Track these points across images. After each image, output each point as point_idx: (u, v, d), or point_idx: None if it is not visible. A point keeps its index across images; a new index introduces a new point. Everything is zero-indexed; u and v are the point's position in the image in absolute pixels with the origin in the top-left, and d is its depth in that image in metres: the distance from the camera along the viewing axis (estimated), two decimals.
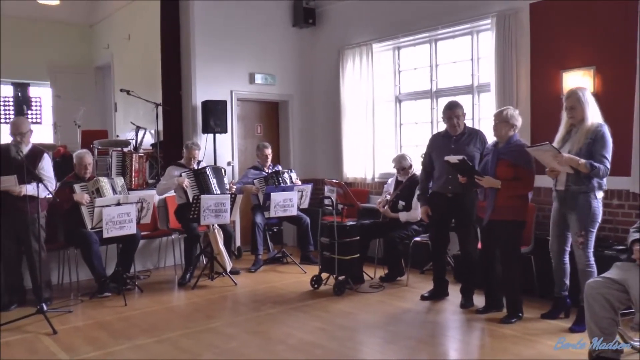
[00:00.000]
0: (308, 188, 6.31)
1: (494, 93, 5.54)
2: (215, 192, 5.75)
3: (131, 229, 5.00)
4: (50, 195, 4.71)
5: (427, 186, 4.87)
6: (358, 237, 5.22)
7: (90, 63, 10.49)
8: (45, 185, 4.54)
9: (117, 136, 9.17)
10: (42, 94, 9.92)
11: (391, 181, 5.88)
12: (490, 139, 4.48)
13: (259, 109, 7.73)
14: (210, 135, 6.77)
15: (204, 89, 6.88)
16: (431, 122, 6.54)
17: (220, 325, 4.30)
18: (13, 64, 9.24)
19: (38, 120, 9.51)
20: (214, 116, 6.64)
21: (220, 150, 6.90)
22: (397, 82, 7.03)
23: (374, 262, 5.83)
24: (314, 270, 5.58)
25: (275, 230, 6.80)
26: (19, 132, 4.74)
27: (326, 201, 5.48)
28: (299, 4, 7.58)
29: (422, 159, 5.04)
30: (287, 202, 5.93)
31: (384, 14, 6.86)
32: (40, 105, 9.75)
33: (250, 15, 7.28)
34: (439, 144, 4.77)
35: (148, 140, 7.63)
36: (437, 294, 4.90)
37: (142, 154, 6.71)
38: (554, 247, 4.16)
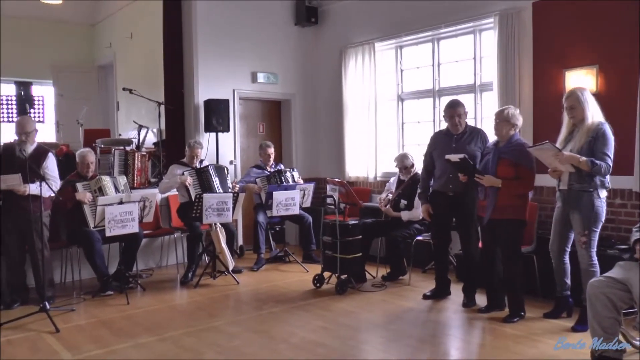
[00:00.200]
0: (310, 187, 6.31)
1: (496, 92, 5.53)
2: (217, 191, 5.76)
3: (133, 228, 5.00)
4: (53, 195, 4.72)
5: (428, 185, 4.87)
6: (360, 236, 5.23)
7: (92, 62, 10.51)
8: (48, 184, 4.56)
9: (120, 135, 9.17)
10: (44, 93, 9.96)
11: (393, 180, 5.88)
12: (493, 138, 4.48)
13: (261, 108, 7.73)
14: (213, 134, 6.76)
15: (206, 87, 6.87)
16: (433, 121, 6.53)
17: (223, 324, 4.31)
18: (16, 63, 9.27)
19: (40, 119, 9.56)
20: (217, 115, 6.63)
21: (223, 149, 6.90)
22: (399, 81, 7.02)
23: (376, 261, 5.84)
24: (316, 269, 5.59)
25: (277, 229, 6.82)
26: (25, 131, 4.75)
27: (328, 200, 5.48)
28: (302, 3, 7.57)
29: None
30: (290, 201, 5.93)
31: (386, 12, 6.85)
32: (43, 104, 9.80)
33: (252, 14, 7.27)
34: (440, 143, 4.77)
35: (150, 139, 7.64)
36: (439, 293, 4.90)
37: (145, 153, 6.73)
38: (554, 247, 4.16)
